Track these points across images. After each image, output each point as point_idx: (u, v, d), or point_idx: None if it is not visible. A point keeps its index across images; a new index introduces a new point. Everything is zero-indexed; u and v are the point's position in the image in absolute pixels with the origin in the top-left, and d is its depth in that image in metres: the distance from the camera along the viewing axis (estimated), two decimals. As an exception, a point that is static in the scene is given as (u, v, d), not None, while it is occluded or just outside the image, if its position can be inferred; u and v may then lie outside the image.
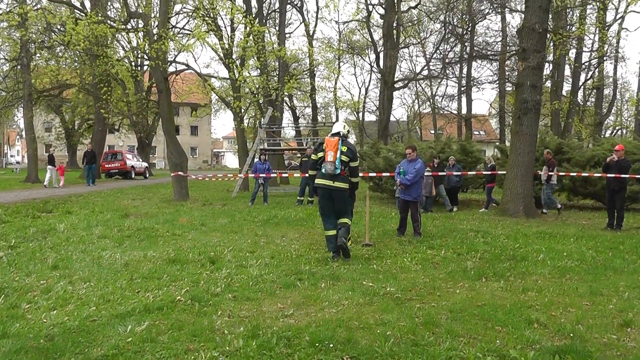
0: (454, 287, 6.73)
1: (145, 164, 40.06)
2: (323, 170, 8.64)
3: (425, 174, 15.54)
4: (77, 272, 7.36)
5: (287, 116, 41.32)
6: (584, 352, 4.48)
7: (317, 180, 8.74)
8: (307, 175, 17.06)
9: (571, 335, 4.97)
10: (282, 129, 31.38)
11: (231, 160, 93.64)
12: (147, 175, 39.77)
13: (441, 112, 44.04)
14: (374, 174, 18.55)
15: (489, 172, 16.67)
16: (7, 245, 9.38)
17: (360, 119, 50.61)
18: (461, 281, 7.02)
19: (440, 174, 16.50)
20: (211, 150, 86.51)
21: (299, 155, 30.56)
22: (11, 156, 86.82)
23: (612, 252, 9.26)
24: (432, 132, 51.30)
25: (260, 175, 18.38)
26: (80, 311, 5.55)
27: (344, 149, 8.62)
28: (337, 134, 8.81)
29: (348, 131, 8.99)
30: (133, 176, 36.58)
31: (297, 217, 13.96)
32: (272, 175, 19.61)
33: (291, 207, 17.12)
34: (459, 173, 16.56)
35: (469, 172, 17.75)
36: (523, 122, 14.80)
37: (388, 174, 17.21)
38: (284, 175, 25.94)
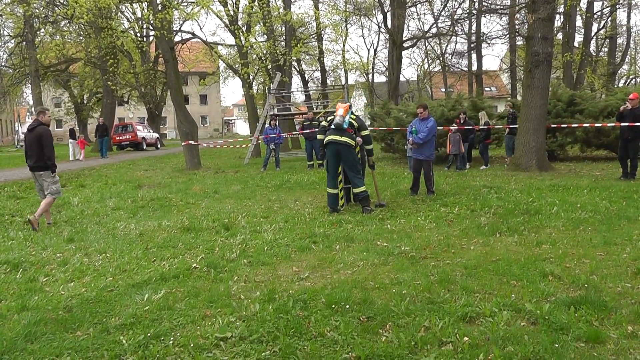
0: (468, 243, 6.72)
1: (156, 135, 40.07)
2: (332, 126, 9.24)
3: (453, 130, 15.82)
4: (92, 244, 7.44)
5: (296, 81, 41.02)
6: (599, 302, 4.46)
7: (327, 138, 9.27)
8: (309, 139, 17.83)
9: (586, 286, 4.95)
10: (291, 94, 31.18)
11: (242, 127, 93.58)
12: (159, 146, 39.83)
13: (451, 69, 43.52)
14: (384, 128, 18.36)
15: (485, 127, 16.48)
16: (23, 220, 9.48)
17: (370, 80, 50.08)
18: (475, 237, 7.01)
19: (467, 127, 16.35)
20: (221, 118, 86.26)
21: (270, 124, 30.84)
22: (22, 133, 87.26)
23: (625, 202, 9.17)
24: (443, 90, 50.75)
25: (272, 139, 18.41)
26: (97, 282, 5.61)
27: (354, 117, 9.34)
28: (351, 105, 9.81)
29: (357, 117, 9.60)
30: (144, 147, 36.64)
31: (309, 181, 13.99)
32: (282, 136, 19.59)
33: (303, 171, 17.15)
34: (471, 127, 16.38)
35: (481, 127, 17.51)
36: (534, 75, 14.58)
37: (399, 129, 16.99)
38: (293, 138, 26.00)
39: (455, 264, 5.81)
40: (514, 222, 7.80)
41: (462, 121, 16.50)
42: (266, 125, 20.04)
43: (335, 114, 9.43)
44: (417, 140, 10.81)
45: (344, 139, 9.12)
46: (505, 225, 7.57)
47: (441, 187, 11.85)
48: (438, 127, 12.79)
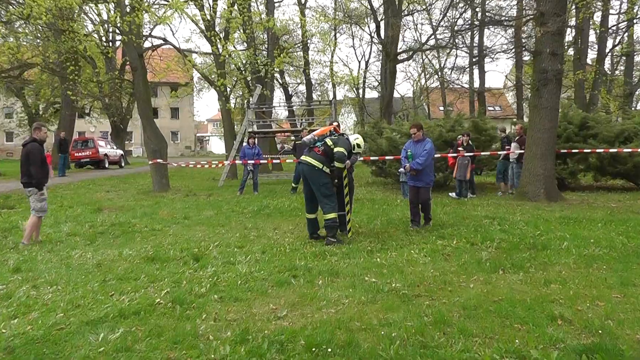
0: (467, 281, 6.72)
1: (120, 152, 39.96)
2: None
3: (465, 154, 16.00)
4: (42, 274, 7.33)
5: (278, 95, 41.23)
6: (615, 351, 4.42)
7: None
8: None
9: (600, 332, 4.91)
10: (273, 109, 31.27)
11: (217, 145, 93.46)
12: (123, 164, 39.69)
13: (451, 86, 43.92)
14: (376, 158, 18.42)
15: (470, 154, 16.54)
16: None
17: (361, 96, 50.40)
18: (475, 274, 7.01)
19: (466, 154, 16.32)
20: (194, 134, 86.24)
21: (292, 137, 30.50)
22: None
23: (645, 238, 9.16)
24: (441, 108, 51.06)
25: (249, 161, 18.36)
26: (45, 319, 5.51)
27: (335, 138, 9.65)
28: (338, 124, 10.47)
29: (358, 145, 9.90)
30: (107, 165, 36.47)
31: (291, 207, 14.00)
32: (262, 161, 19.58)
33: (285, 195, 17.15)
34: (471, 154, 16.44)
35: (483, 153, 17.64)
36: (542, 94, 14.67)
37: (392, 157, 17.01)
38: (275, 161, 26.00)
39: (452, 303, 5.78)
40: (519, 257, 7.80)
41: (464, 143, 16.56)
42: (244, 144, 20.05)
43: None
44: (415, 167, 10.68)
45: (307, 158, 9.48)
46: (509, 261, 7.57)
47: (438, 216, 11.86)
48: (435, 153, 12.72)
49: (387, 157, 18.20)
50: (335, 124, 10.64)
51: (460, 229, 10.22)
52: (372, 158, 19.61)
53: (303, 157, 9.58)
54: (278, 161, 27.27)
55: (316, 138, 9.70)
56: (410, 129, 11.16)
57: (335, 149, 9.39)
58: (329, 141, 9.58)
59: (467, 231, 10.00)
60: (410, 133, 11.08)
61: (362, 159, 19.09)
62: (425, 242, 9.16)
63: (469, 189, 16.38)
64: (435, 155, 12.66)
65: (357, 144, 9.80)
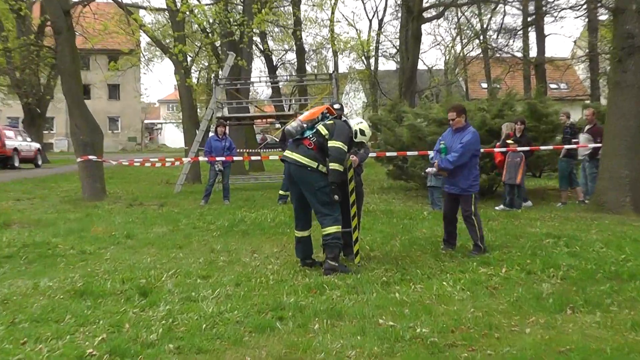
0: (522, 324, 6.68)
1: (36, 146, 39.77)
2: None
3: (517, 148, 15.82)
4: None
5: (258, 66, 41.39)
6: None
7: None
8: None
9: None
10: (251, 86, 31.09)
11: (173, 136, 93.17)
12: (40, 163, 39.53)
13: (497, 54, 43.45)
14: (394, 153, 18.39)
15: (525, 148, 16.35)
16: None
17: (372, 68, 50.25)
18: (533, 314, 6.96)
19: (519, 149, 16.11)
20: (141, 121, 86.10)
21: (278, 125, 30.36)
22: None
23: None
24: (484, 85, 50.87)
25: (218, 158, 18.31)
26: None
27: (329, 123, 9.57)
28: (340, 109, 10.53)
29: (361, 132, 9.80)
30: (16, 164, 36.26)
31: (275, 222, 14.05)
32: (236, 157, 19.63)
33: (267, 205, 17.16)
34: (526, 148, 16.30)
35: (543, 147, 17.51)
36: (627, 67, 14.57)
37: (416, 153, 17.06)
38: (255, 157, 25.77)
39: (501, 355, 5.77)
40: (596, 291, 7.75)
41: (517, 134, 16.44)
42: (211, 134, 19.98)
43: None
44: (444, 165, 10.61)
45: (295, 155, 9.43)
46: (580, 297, 7.51)
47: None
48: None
49: (409, 153, 18.07)
50: (337, 106, 10.62)
51: (512, 252, 10.18)
52: (388, 154, 19.48)
53: (288, 153, 9.56)
54: (258, 158, 26.98)
55: (304, 125, 9.60)
56: (448, 112, 11.11)
57: (330, 143, 9.29)
58: (322, 129, 9.51)
59: (522, 255, 9.94)
60: (448, 119, 11.00)
61: (374, 154, 18.87)
62: (462, 270, 9.11)
63: (522, 196, 16.37)
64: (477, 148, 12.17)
65: (359, 129, 9.71)
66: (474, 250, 10.50)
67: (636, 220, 13.61)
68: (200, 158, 21.25)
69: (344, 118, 10.10)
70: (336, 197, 9.23)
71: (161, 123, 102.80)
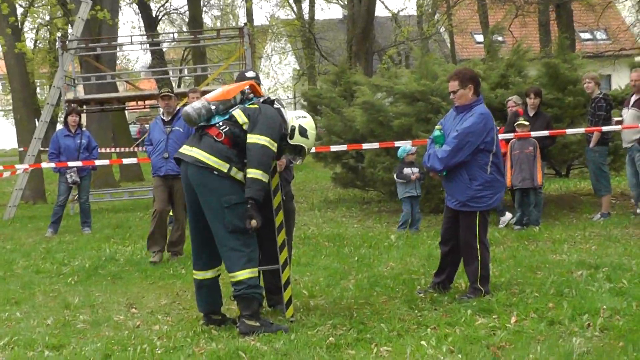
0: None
1: None
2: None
3: (532, 134, 13.53)
4: None
5: (130, 19, 38.99)
6: None
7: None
8: None
9: None
10: (118, 50, 28.78)
11: None
12: None
13: None
14: (343, 147, 16.29)
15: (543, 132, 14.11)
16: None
17: (306, 17, 45.30)
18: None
19: (533, 134, 13.69)
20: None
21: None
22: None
23: None
24: (479, 39, 42.39)
25: (71, 164, 16.12)
26: None
27: (252, 108, 7.73)
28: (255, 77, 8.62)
29: (301, 131, 7.99)
30: None
31: (164, 258, 12.39)
32: (98, 162, 17.33)
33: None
34: (545, 133, 14.07)
35: (569, 131, 14.91)
36: None
37: (376, 145, 14.94)
38: (129, 160, 22.99)
39: None
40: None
41: (530, 112, 14.10)
42: (59, 127, 17.92)
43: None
44: (430, 164, 8.88)
45: (195, 152, 7.52)
46: (631, 356, 6.33)
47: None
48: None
49: (365, 146, 15.66)
50: (250, 74, 8.71)
51: (526, 293, 8.58)
52: (333, 149, 16.96)
53: (185, 149, 7.63)
54: (134, 161, 24.20)
55: (212, 107, 7.52)
56: (448, 80, 9.19)
57: (250, 137, 7.40)
58: (239, 115, 7.55)
59: (541, 297, 8.41)
60: (449, 91, 9.09)
61: (313, 150, 16.78)
62: (450, 322, 7.56)
63: (540, 204, 14.10)
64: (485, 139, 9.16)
65: (299, 126, 7.88)
66: (468, 293, 8.83)
67: None
68: (44, 165, 18.66)
69: (276, 104, 7.95)
70: (254, 222, 7.32)
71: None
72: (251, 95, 7.97)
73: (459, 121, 8.84)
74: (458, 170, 8.77)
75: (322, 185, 23.35)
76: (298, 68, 49.16)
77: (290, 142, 7.87)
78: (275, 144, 7.55)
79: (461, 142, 8.62)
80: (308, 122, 8.02)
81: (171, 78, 29.38)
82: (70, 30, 22.07)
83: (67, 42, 21.17)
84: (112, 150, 23.48)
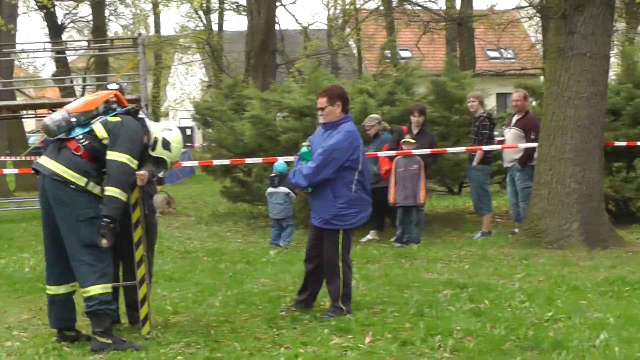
0: None
1: None
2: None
3: (413, 151, 14.05)
4: None
5: (36, 25, 38.34)
6: None
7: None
8: None
9: None
10: (16, 59, 28.43)
11: None
12: None
13: (405, 3, 36.14)
14: (226, 161, 16.49)
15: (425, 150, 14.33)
16: None
17: (216, 26, 45.04)
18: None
19: (415, 152, 13.96)
20: None
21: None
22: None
23: None
24: (388, 54, 41.63)
25: None
26: None
27: (113, 122, 7.72)
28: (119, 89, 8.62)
29: (164, 143, 8.03)
30: None
31: (37, 272, 11.77)
32: None
33: (32, 246, 14.87)
34: (427, 151, 14.31)
35: (451, 150, 15.51)
36: (576, 27, 12.96)
37: (259, 160, 15.47)
38: (7, 171, 22.51)
39: None
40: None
41: (414, 130, 14.46)
42: None
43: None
44: (295, 180, 9.23)
45: (52, 164, 7.45)
46: None
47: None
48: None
49: (248, 161, 16.15)
50: (113, 86, 8.55)
51: (387, 312, 8.78)
52: (216, 162, 17.20)
53: (44, 160, 7.66)
54: (15, 171, 23.83)
55: (72, 119, 7.55)
56: (317, 99, 9.46)
57: (109, 154, 7.41)
58: (99, 129, 7.57)
59: (400, 316, 8.58)
60: (317, 107, 9.43)
61: (194, 163, 16.68)
62: (305, 341, 7.71)
63: (422, 223, 14.49)
64: (351, 156, 9.35)
65: (162, 139, 7.81)
66: (329, 312, 9.00)
67: (586, 257, 12.17)
68: None
69: (140, 114, 8.05)
70: (104, 242, 7.40)
71: None
72: (114, 105, 7.88)
73: (326, 138, 9.04)
74: (323, 187, 8.97)
75: (214, 199, 23.29)
76: (207, 79, 49.80)
77: (152, 153, 7.81)
78: (136, 161, 7.52)
79: (326, 158, 8.82)
80: (173, 136, 7.95)
81: (74, 86, 29.63)
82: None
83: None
84: (7, 158, 23.13)
